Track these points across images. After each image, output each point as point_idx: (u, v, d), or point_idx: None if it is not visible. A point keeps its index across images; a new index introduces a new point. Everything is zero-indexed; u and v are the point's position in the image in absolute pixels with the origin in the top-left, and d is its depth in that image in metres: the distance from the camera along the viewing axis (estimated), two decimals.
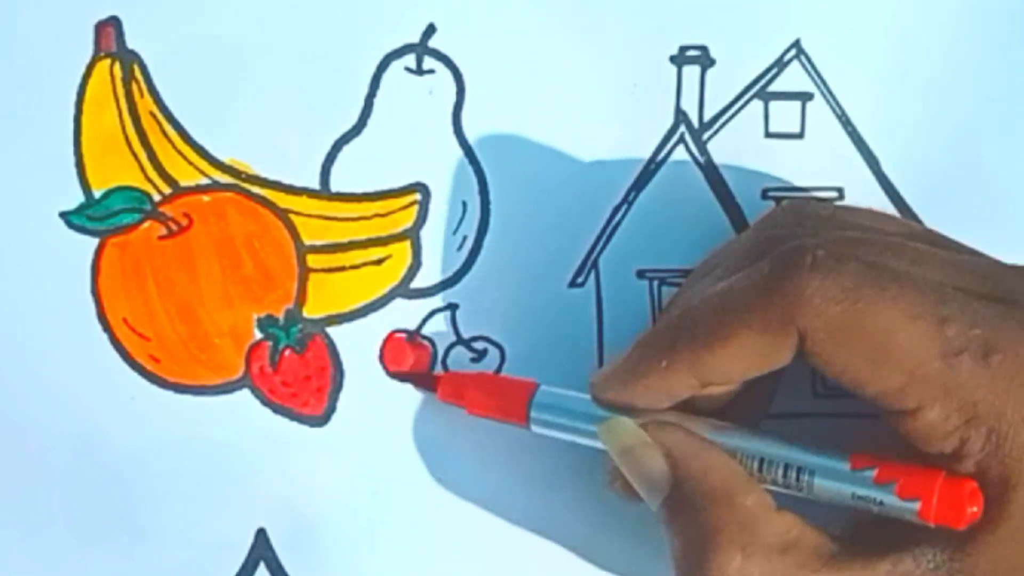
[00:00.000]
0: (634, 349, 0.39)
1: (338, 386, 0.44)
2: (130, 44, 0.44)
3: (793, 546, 0.37)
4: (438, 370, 0.44)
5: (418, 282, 0.44)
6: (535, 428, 0.42)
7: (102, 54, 0.44)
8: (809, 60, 0.44)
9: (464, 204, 0.44)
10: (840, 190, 0.44)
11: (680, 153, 0.44)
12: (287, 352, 0.44)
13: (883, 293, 0.35)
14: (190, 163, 0.44)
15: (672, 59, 0.44)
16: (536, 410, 0.41)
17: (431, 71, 0.44)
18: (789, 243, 0.37)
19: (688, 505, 0.38)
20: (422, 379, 0.44)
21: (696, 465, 0.38)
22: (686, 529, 0.38)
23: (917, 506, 0.36)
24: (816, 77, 0.44)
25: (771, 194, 0.44)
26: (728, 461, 0.38)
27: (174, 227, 0.44)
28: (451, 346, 0.44)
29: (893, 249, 0.37)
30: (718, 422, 0.39)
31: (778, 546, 0.37)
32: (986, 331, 0.36)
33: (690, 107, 0.44)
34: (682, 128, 0.44)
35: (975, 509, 0.36)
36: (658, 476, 0.38)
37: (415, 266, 0.44)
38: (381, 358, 0.44)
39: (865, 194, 0.44)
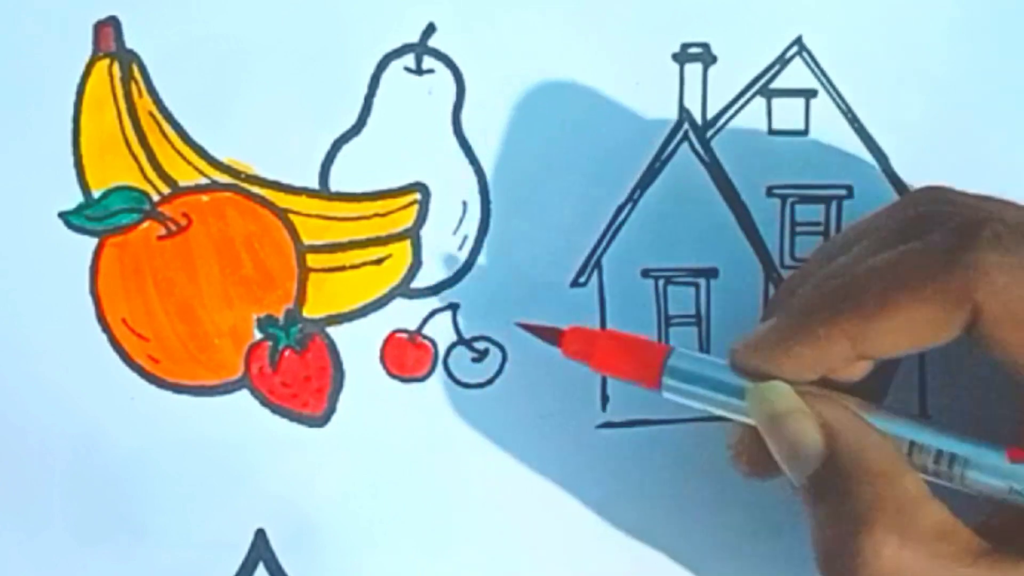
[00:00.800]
0: (787, 317, 0.38)
1: (338, 386, 0.44)
2: (129, 44, 0.44)
3: (948, 537, 0.35)
4: (439, 370, 0.44)
5: (418, 282, 0.44)
6: (667, 394, 0.40)
7: (101, 54, 0.44)
8: (811, 56, 0.44)
9: (464, 203, 0.44)
10: (849, 187, 0.44)
11: (684, 151, 0.44)
12: (287, 352, 0.44)
13: None
14: (189, 163, 0.44)
15: (674, 57, 0.44)
16: (669, 374, 0.39)
17: (431, 71, 0.44)
18: (958, 219, 0.36)
19: (840, 482, 0.36)
20: (546, 332, 0.42)
21: (853, 440, 0.36)
22: (836, 507, 0.35)
23: None
24: (819, 73, 0.44)
25: (776, 191, 0.44)
26: (887, 441, 0.37)
27: (173, 227, 0.44)
28: (452, 346, 0.44)
29: None
30: (866, 403, 0.38)
31: (935, 535, 0.35)
32: None
33: (693, 105, 0.44)
34: (685, 126, 0.44)
35: None
36: (812, 447, 0.36)
37: (415, 266, 0.44)
38: (381, 358, 0.44)
39: (873, 191, 0.44)
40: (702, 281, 0.44)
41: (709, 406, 0.39)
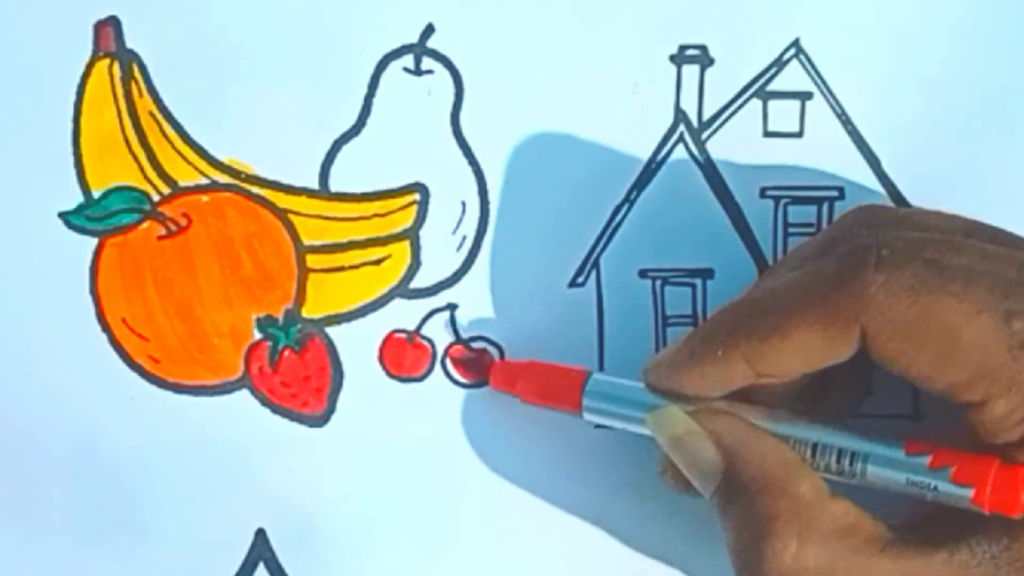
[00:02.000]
0: (691, 336, 0.39)
1: (337, 386, 0.44)
2: (129, 44, 0.44)
3: (849, 532, 0.37)
4: (437, 370, 0.44)
5: (417, 282, 0.44)
6: (588, 416, 0.42)
7: (101, 54, 0.44)
8: (808, 59, 0.44)
9: (463, 204, 0.44)
10: (840, 189, 0.44)
11: (680, 152, 0.44)
12: (286, 352, 0.44)
13: (947, 289, 0.36)
14: (189, 163, 0.44)
15: (672, 58, 0.44)
16: (589, 398, 0.41)
17: (430, 71, 0.44)
18: (854, 242, 0.37)
19: (741, 493, 0.38)
20: (477, 366, 0.44)
21: (748, 453, 0.38)
22: (740, 517, 0.37)
23: (971, 492, 0.36)
24: (816, 76, 0.44)
25: (770, 193, 0.44)
26: (781, 447, 0.38)
27: (173, 227, 0.44)
28: (450, 346, 0.44)
29: (957, 247, 0.37)
30: (770, 409, 0.39)
31: (834, 532, 0.37)
32: None
33: (689, 106, 0.44)
34: (681, 127, 0.44)
35: None
36: (710, 465, 0.38)
37: (414, 266, 0.44)
38: (380, 358, 0.44)
39: (865, 194, 0.44)
40: (698, 281, 0.45)
41: (628, 425, 0.41)
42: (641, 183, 0.44)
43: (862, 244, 0.37)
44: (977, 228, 0.39)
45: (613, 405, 0.41)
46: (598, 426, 0.44)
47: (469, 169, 0.44)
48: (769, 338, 0.37)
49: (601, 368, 0.44)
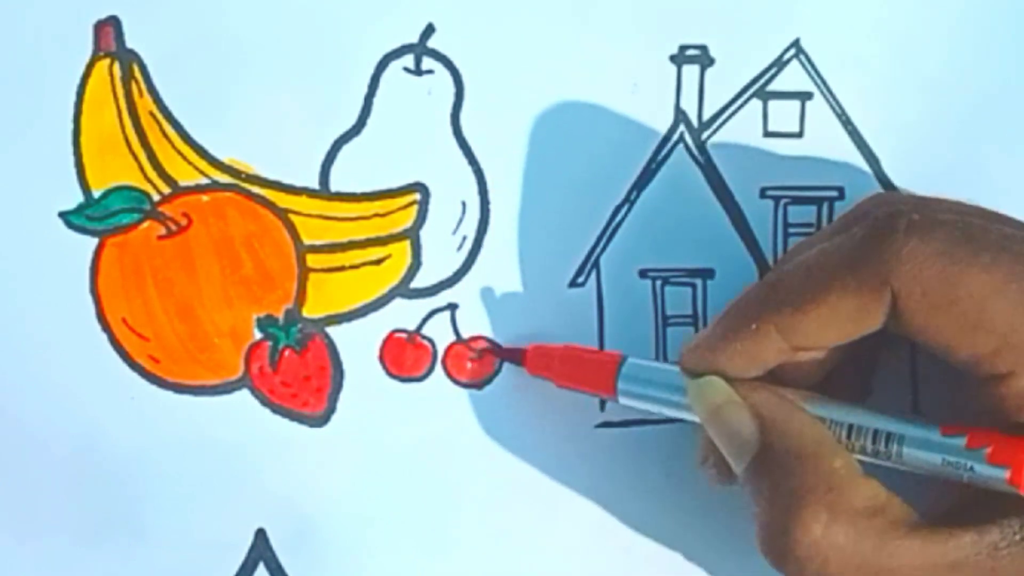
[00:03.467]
0: (724, 314, 0.40)
1: (338, 386, 0.44)
2: (129, 44, 0.44)
3: (880, 512, 0.37)
4: (438, 370, 0.44)
5: (418, 282, 0.44)
6: (623, 400, 0.42)
7: (101, 54, 0.44)
8: (808, 59, 0.44)
9: (463, 204, 0.44)
10: (840, 189, 0.44)
11: (680, 152, 0.44)
12: (287, 352, 0.44)
13: (977, 258, 0.36)
14: (189, 163, 0.44)
15: (672, 58, 0.44)
16: (624, 382, 0.41)
17: (430, 71, 0.44)
18: (883, 210, 0.37)
19: (775, 466, 0.37)
20: (510, 353, 0.44)
21: (784, 426, 0.38)
22: (772, 490, 0.37)
23: (1007, 473, 0.36)
24: (815, 76, 0.44)
25: (770, 193, 0.44)
26: (817, 424, 0.38)
27: (173, 227, 0.44)
28: (451, 346, 0.44)
29: (981, 224, 0.37)
30: (807, 392, 0.39)
31: (865, 510, 0.36)
32: None
33: (690, 106, 0.44)
34: (681, 127, 0.44)
35: None
36: (747, 435, 0.38)
37: (415, 266, 0.44)
38: (381, 358, 0.44)
39: (864, 193, 0.44)
40: (698, 281, 0.45)
41: (664, 409, 0.41)
42: (641, 183, 0.44)
43: (893, 210, 0.37)
44: (993, 215, 0.39)
45: (648, 389, 0.41)
46: (599, 425, 0.44)
47: (469, 169, 0.44)
48: (802, 307, 0.37)
49: None
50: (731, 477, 0.40)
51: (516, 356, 0.44)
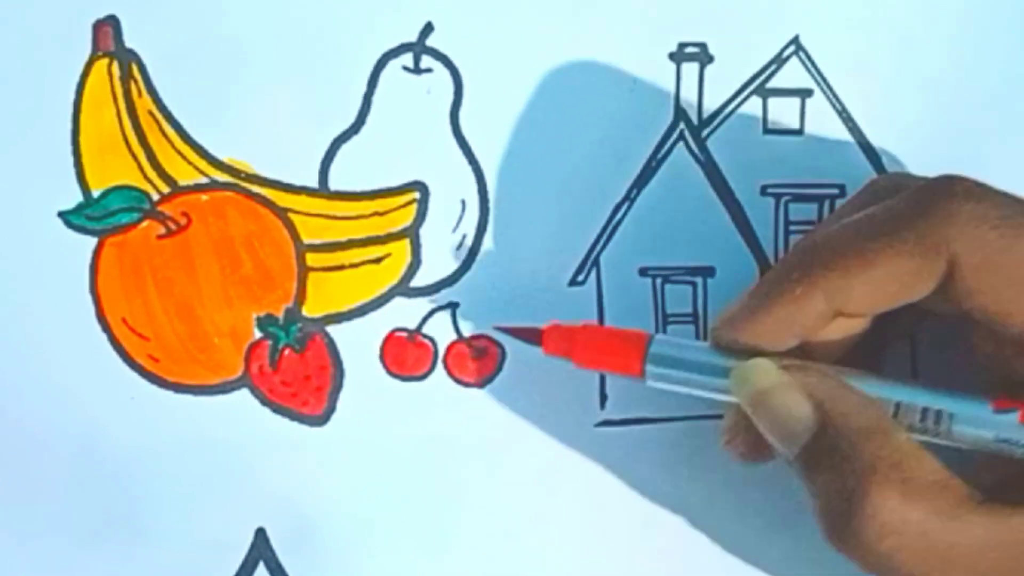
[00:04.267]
0: (763, 282, 0.38)
1: (338, 385, 0.44)
2: (128, 43, 0.44)
3: (945, 487, 0.35)
4: (438, 369, 0.44)
5: (418, 281, 0.44)
6: (651, 382, 0.40)
7: (100, 53, 0.44)
8: (808, 56, 0.44)
9: (463, 202, 0.44)
10: (842, 187, 0.44)
11: (680, 150, 0.44)
12: (287, 351, 0.44)
13: None
14: (189, 162, 0.44)
15: (671, 56, 0.44)
16: (652, 363, 0.39)
17: (429, 70, 0.44)
18: (931, 179, 0.37)
19: (834, 448, 0.36)
20: (526, 333, 0.42)
21: (843, 405, 0.36)
22: (833, 472, 0.35)
23: None
24: (815, 73, 0.44)
25: (771, 191, 0.44)
26: (874, 401, 0.37)
27: (173, 226, 0.44)
28: (452, 345, 0.44)
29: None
30: (844, 368, 0.38)
31: (932, 486, 0.35)
32: None
33: (689, 104, 0.44)
34: (681, 125, 0.44)
35: None
36: (801, 419, 0.36)
37: (415, 265, 0.44)
38: (381, 357, 0.44)
39: None
40: (699, 280, 0.45)
41: (695, 389, 0.39)
42: (641, 181, 0.44)
43: (946, 176, 0.36)
44: None
45: (678, 368, 0.39)
46: (599, 424, 0.44)
47: (469, 167, 0.44)
48: (852, 268, 0.36)
49: None
50: (760, 457, 0.39)
51: (533, 336, 0.42)
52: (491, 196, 0.44)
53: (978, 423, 0.37)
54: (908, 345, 0.44)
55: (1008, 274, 0.35)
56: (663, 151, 0.44)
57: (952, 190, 0.36)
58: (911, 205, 0.36)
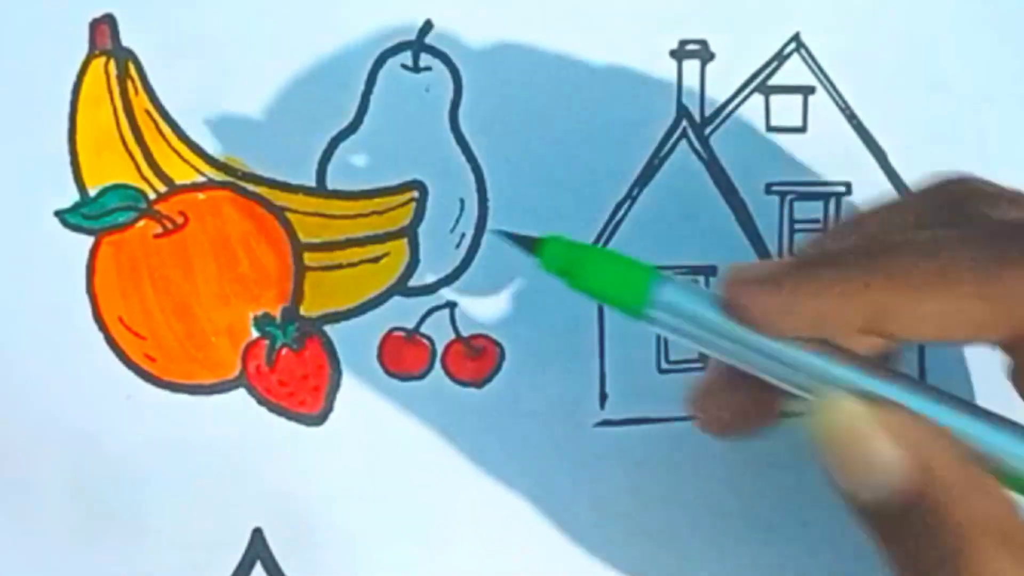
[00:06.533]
0: (800, 260, 0.33)
1: (335, 385, 0.44)
2: (125, 42, 0.44)
3: None
4: (436, 368, 0.44)
5: (416, 280, 0.44)
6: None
7: (97, 52, 0.44)
8: (809, 53, 0.44)
9: (462, 201, 0.44)
10: (847, 184, 0.44)
11: (682, 148, 0.44)
12: (284, 351, 0.44)
13: None
14: (185, 161, 0.44)
15: (672, 53, 0.44)
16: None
17: (427, 68, 0.44)
18: (1011, 214, 0.33)
19: (931, 506, 0.31)
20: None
21: (936, 459, 0.31)
22: (927, 537, 0.31)
23: None
24: (817, 70, 0.44)
25: (775, 189, 0.44)
26: (964, 446, 0.32)
27: (170, 225, 0.44)
28: (450, 344, 0.44)
29: None
30: (877, 368, 0.34)
31: None
32: None
33: (691, 102, 0.44)
34: (684, 123, 0.44)
35: None
36: (887, 470, 0.31)
37: (413, 264, 0.44)
38: (379, 356, 0.44)
39: (872, 188, 0.44)
40: (702, 279, 0.44)
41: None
42: (643, 179, 0.44)
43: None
44: None
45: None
46: (598, 424, 0.44)
47: (467, 166, 0.44)
48: (908, 289, 0.32)
49: (603, 367, 0.44)
50: (736, 430, 0.36)
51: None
52: (490, 195, 0.44)
53: None
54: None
55: None
56: (665, 149, 0.44)
57: None
58: (988, 245, 0.32)
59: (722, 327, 0.34)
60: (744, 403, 0.35)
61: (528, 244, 0.37)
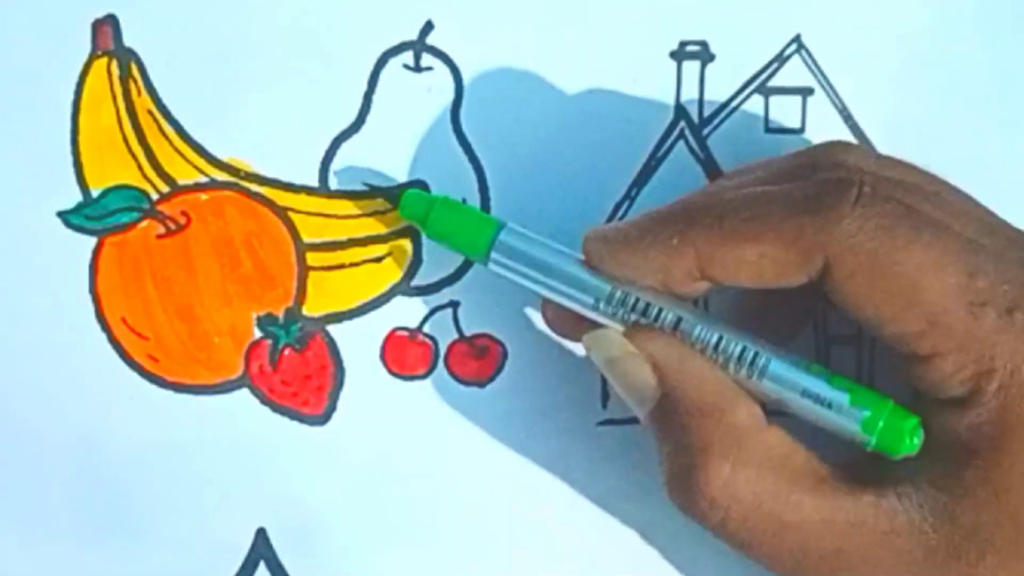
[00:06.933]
0: (646, 216, 0.38)
1: (338, 385, 0.44)
2: (127, 42, 0.44)
3: (783, 464, 0.37)
4: (439, 368, 0.44)
5: (419, 279, 0.44)
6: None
7: (99, 52, 0.44)
8: (810, 55, 0.44)
9: (463, 201, 0.44)
10: None
11: (680, 149, 0.44)
12: (287, 351, 0.44)
13: (919, 236, 0.36)
14: (188, 161, 0.44)
15: (672, 54, 0.44)
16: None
17: (429, 68, 0.44)
18: (837, 173, 0.37)
19: (677, 418, 0.38)
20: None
21: (685, 377, 0.38)
22: (674, 442, 0.38)
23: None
24: (817, 72, 0.44)
25: None
26: (715, 372, 0.38)
27: (172, 226, 0.44)
28: (453, 344, 0.44)
29: (933, 200, 0.37)
30: (701, 313, 0.39)
31: (767, 462, 0.37)
32: (1015, 289, 0.36)
33: (690, 103, 0.44)
34: (682, 123, 0.44)
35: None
36: (645, 388, 0.38)
37: (415, 263, 0.44)
38: (382, 356, 0.44)
39: None
40: None
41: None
42: (641, 180, 0.44)
43: (846, 177, 0.37)
44: (954, 190, 0.39)
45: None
46: (601, 423, 0.44)
47: (469, 166, 0.44)
48: (729, 240, 0.37)
49: None
50: (569, 332, 0.40)
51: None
52: (491, 194, 0.44)
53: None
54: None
55: (882, 285, 0.36)
56: (663, 149, 0.44)
57: (843, 196, 0.36)
58: (804, 199, 0.36)
59: (554, 270, 0.39)
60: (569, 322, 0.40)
61: (391, 195, 0.43)
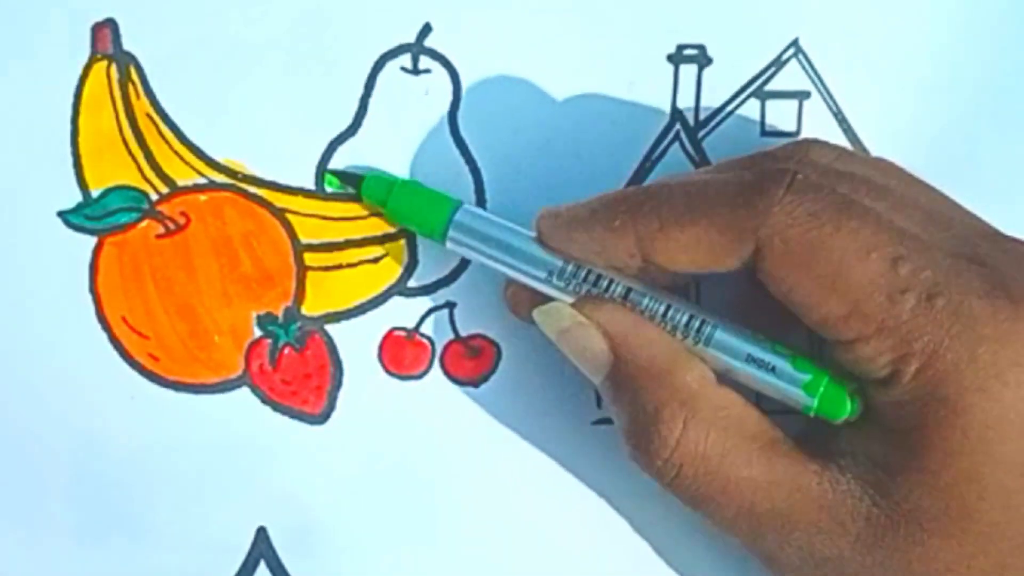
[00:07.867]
0: (597, 199, 0.40)
1: (337, 384, 0.44)
2: (126, 46, 0.44)
3: (734, 424, 0.38)
4: (436, 368, 0.45)
5: (416, 280, 0.45)
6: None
7: (99, 56, 0.44)
8: (807, 59, 0.44)
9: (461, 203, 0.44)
10: None
11: (676, 152, 0.44)
12: (286, 350, 0.44)
13: (846, 224, 0.37)
14: (186, 163, 0.44)
15: (669, 58, 0.44)
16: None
17: (427, 71, 0.44)
18: (781, 164, 0.38)
19: (630, 381, 0.39)
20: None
21: (635, 342, 0.39)
22: (630, 406, 0.39)
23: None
24: (814, 76, 0.44)
25: None
26: (665, 337, 0.39)
27: (172, 226, 0.44)
28: (449, 344, 0.45)
29: (874, 191, 0.38)
30: (651, 288, 0.40)
31: (719, 420, 0.38)
32: (937, 276, 0.36)
33: (686, 106, 0.44)
34: (678, 127, 0.44)
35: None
36: (598, 355, 0.40)
37: (412, 264, 0.44)
38: (380, 356, 0.44)
39: None
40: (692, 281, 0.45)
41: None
42: (636, 182, 0.44)
43: (784, 166, 0.38)
44: (911, 187, 0.40)
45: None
46: (596, 422, 0.45)
47: (466, 168, 0.44)
48: (664, 226, 0.38)
49: None
50: (527, 314, 0.41)
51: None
52: (488, 197, 0.44)
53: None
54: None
55: (807, 270, 0.37)
56: (659, 152, 0.44)
57: (777, 182, 0.37)
58: (741, 186, 0.38)
59: (509, 247, 0.41)
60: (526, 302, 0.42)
61: (354, 181, 0.44)
